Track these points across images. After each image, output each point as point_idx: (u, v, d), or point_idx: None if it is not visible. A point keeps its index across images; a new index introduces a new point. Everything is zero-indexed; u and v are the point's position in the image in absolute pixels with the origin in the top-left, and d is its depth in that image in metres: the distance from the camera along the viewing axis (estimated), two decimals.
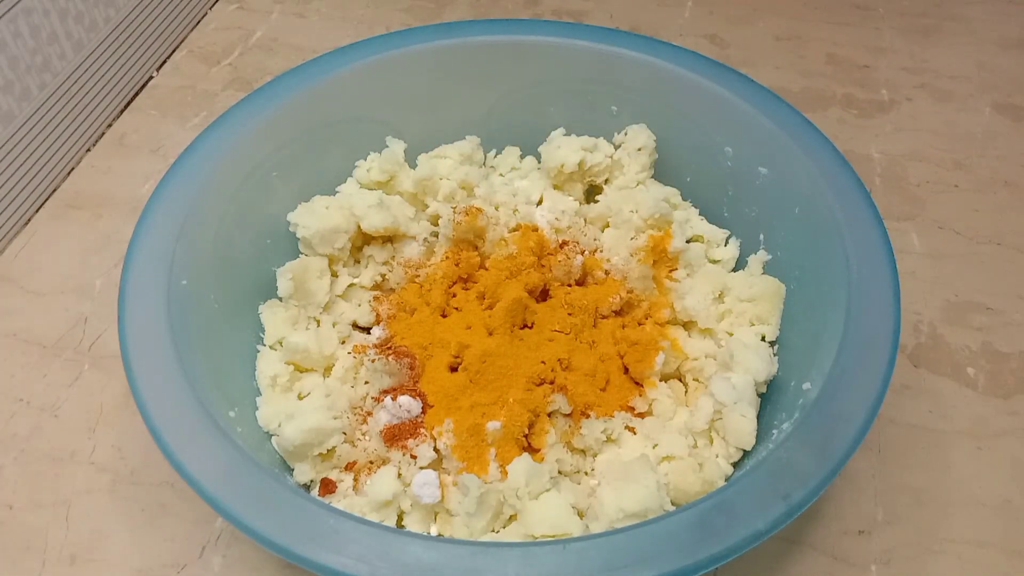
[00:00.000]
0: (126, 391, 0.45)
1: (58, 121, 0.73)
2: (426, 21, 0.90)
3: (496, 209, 0.61)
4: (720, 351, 0.55)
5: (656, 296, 0.58)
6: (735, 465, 0.51)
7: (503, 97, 0.66)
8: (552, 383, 0.53)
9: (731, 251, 0.61)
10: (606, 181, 0.64)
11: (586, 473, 0.52)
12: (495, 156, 0.67)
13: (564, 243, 0.60)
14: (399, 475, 0.50)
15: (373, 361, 0.54)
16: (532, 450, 0.51)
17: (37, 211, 0.72)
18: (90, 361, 0.62)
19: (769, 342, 0.55)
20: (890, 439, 0.57)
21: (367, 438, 0.52)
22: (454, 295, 0.58)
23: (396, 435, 0.51)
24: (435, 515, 0.50)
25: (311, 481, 0.51)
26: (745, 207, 0.60)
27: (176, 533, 0.53)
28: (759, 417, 0.51)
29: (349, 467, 0.51)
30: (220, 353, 0.52)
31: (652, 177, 0.64)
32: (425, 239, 0.61)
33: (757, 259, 0.59)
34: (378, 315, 0.59)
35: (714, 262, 0.61)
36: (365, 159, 0.64)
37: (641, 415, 0.54)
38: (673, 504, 0.48)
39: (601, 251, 0.60)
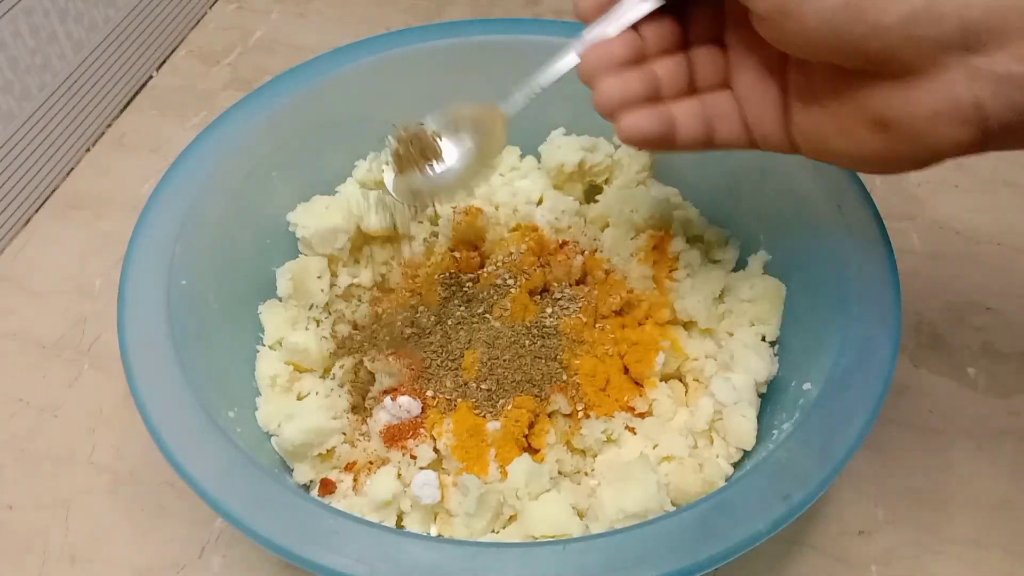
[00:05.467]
0: (126, 391, 0.45)
1: (58, 121, 0.73)
2: (426, 21, 0.90)
3: (496, 209, 0.61)
4: (720, 351, 0.55)
5: (656, 296, 0.58)
6: (735, 465, 0.51)
7: (503, 97, 0.66)
8: (552, 383, 0.53)
9: (731, 251, 0.61)
10: (606, 181, 0.64)
11: (586, 473, 0.52)
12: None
13: (564, 243, 0.60)
14: (399, 475, 0.50)
15: (373, 361, 0.54)
16: (532, 450, 0.51)
17: (37, 211, 0.72)
18: (90, 361, 0.62)
19: (769, 342, 0.55)
20: (890, 439, 0.57)
21: (367, 438, 0.52)
22: (453, 295, 0.58)
23: (396, 435, 0.51)
24: (435, 515, 0.50)
25: (311, 481, 0.51)
26: (745, 207, 0.60)
27: (176, 533, 0.53)
28: (759, 417, 0.51)
29: (349, 467, 0.51)
30: (220, 353, 0.52)
31: (652, 177, 0.64)
32: (425, 239, 0.61)
33: (757, 259, 0.59)
34: (377, 315, 0.59)
35: (714, 262, 0.61)
36: (365, 159, 0.64)
37: (641, 415, 0.53)
38: (673, 504, 0.48)
39: (601, 251, 0.60)
